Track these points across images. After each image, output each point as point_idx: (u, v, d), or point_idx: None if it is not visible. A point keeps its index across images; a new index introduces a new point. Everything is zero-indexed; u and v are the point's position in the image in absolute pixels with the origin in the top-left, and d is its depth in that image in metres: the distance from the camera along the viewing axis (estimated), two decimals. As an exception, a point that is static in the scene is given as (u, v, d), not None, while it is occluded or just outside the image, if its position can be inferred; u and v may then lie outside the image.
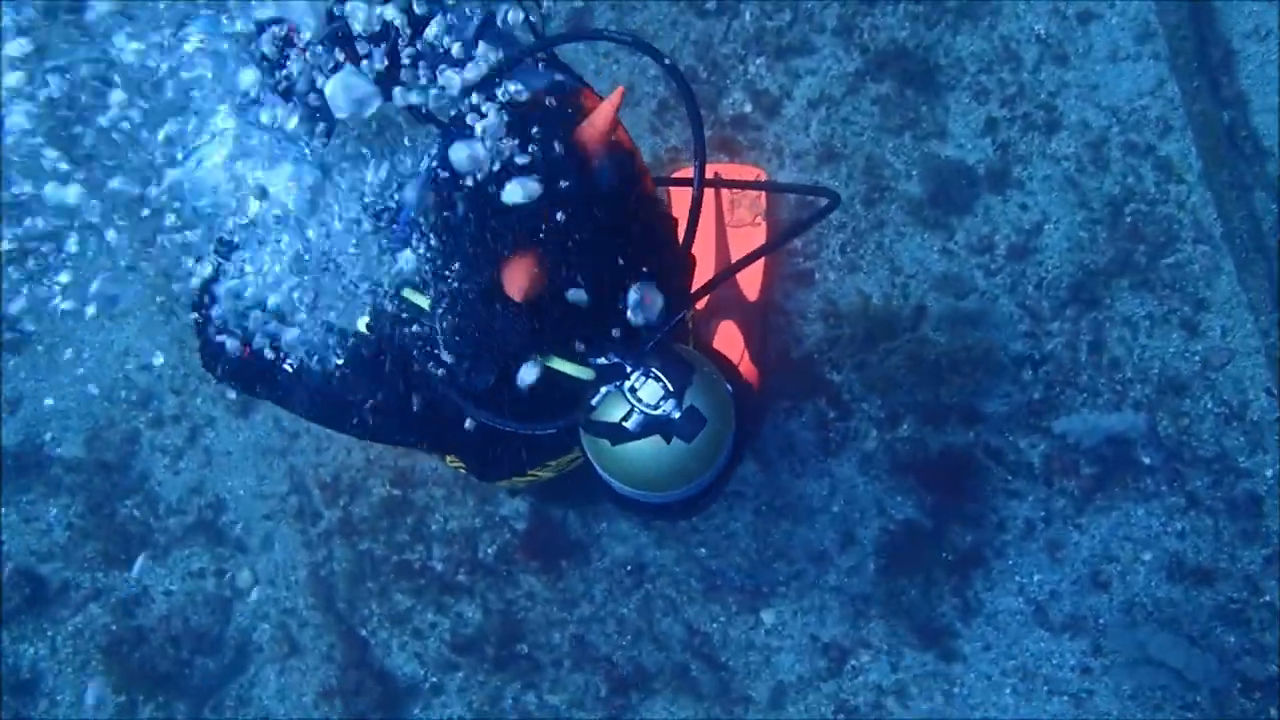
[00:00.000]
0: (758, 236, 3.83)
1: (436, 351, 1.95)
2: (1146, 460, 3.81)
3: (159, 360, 4.15)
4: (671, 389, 1.92)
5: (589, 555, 3.89)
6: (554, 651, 3.91)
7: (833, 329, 3.90)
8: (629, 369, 1.93)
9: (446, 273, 1.79)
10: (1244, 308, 3.85)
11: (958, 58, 4.02)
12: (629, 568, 3.90)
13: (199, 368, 4.06)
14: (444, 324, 1.90)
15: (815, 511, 3.87)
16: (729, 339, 3.72)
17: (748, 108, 4.04)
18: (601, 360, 1.95)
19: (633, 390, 1.93)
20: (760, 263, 3.82)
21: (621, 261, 1.80)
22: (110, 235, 2.01)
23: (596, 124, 1.71)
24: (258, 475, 4.04)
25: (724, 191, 3.85)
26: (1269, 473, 3.79)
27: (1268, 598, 3.75)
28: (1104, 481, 3.81)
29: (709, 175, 3.98)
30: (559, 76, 2.03)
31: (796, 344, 3.91)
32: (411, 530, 4.01)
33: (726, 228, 3.84)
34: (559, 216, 1.68)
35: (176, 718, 3.97)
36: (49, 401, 4.10)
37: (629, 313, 1.84)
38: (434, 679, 3.97)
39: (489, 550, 3.98)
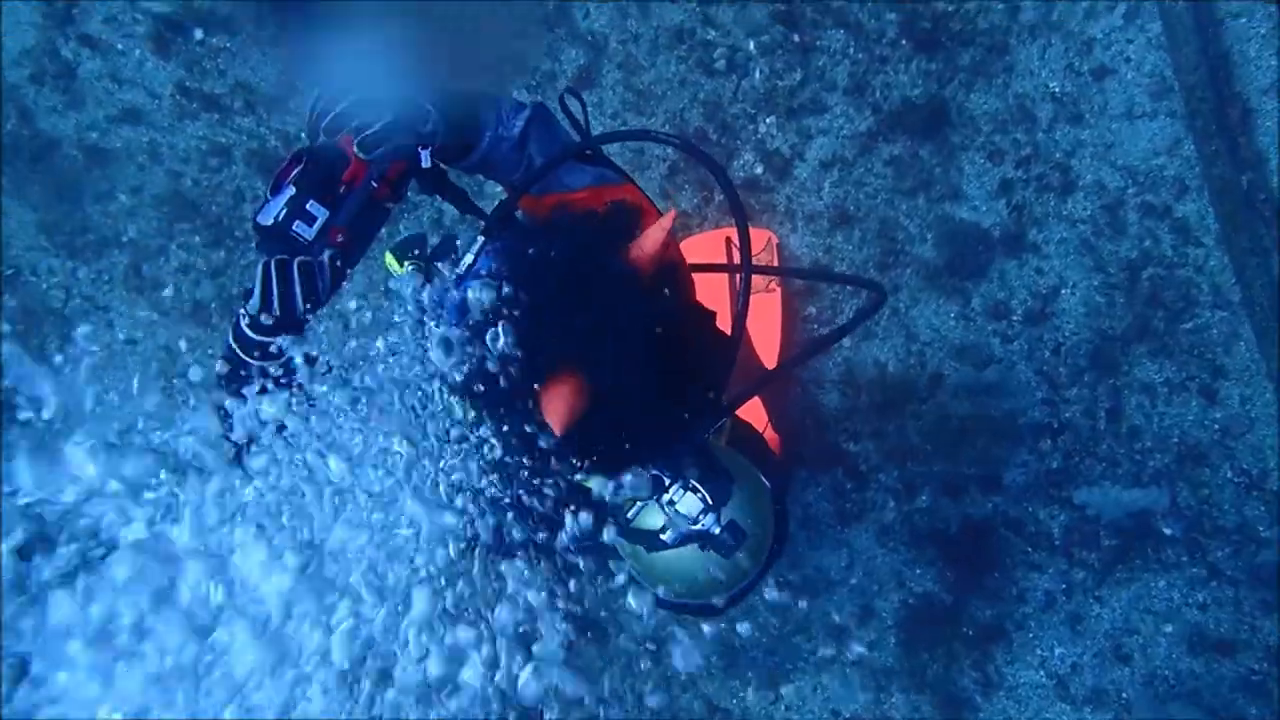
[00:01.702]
0: (770, 304, 3.92)
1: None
2: (1167, 531, 3.91)
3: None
4: (711, 503, 1.93)
5: (607, 632, 3.98)
6: (569, 732, 4.00)
7: (849, 398, 3.99)
8: (667, 480, 1.93)
9: (481, 390, 1.71)
10: (1263, 375, 3.95)
11: (971, 116, 4.12)
12: (648, 644, 4.00)
13: (202, 441, 4.18)
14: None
15: (834, 584, 3.96)
16: (750, 408, 3.81)
17: (759, 169, 4.13)
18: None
19: (671, 504, 1.93)
20: (777, 328, 3.92)
21: (665, 380, 1.74)
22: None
23: (646, 247, 1.66)
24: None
25: (735, 256, 3.95)
26: (1290, 542, 3.92)
27: (1289, 668, 3.87)
28: (1124, 553, 3.90)
29: (721, 240, 4.11)
30: (606, 173, 2.08)
31: (812, 413, 4.01)
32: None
33: (738, 294, 3.93)
34: (604, 340, 1.61)
35: None
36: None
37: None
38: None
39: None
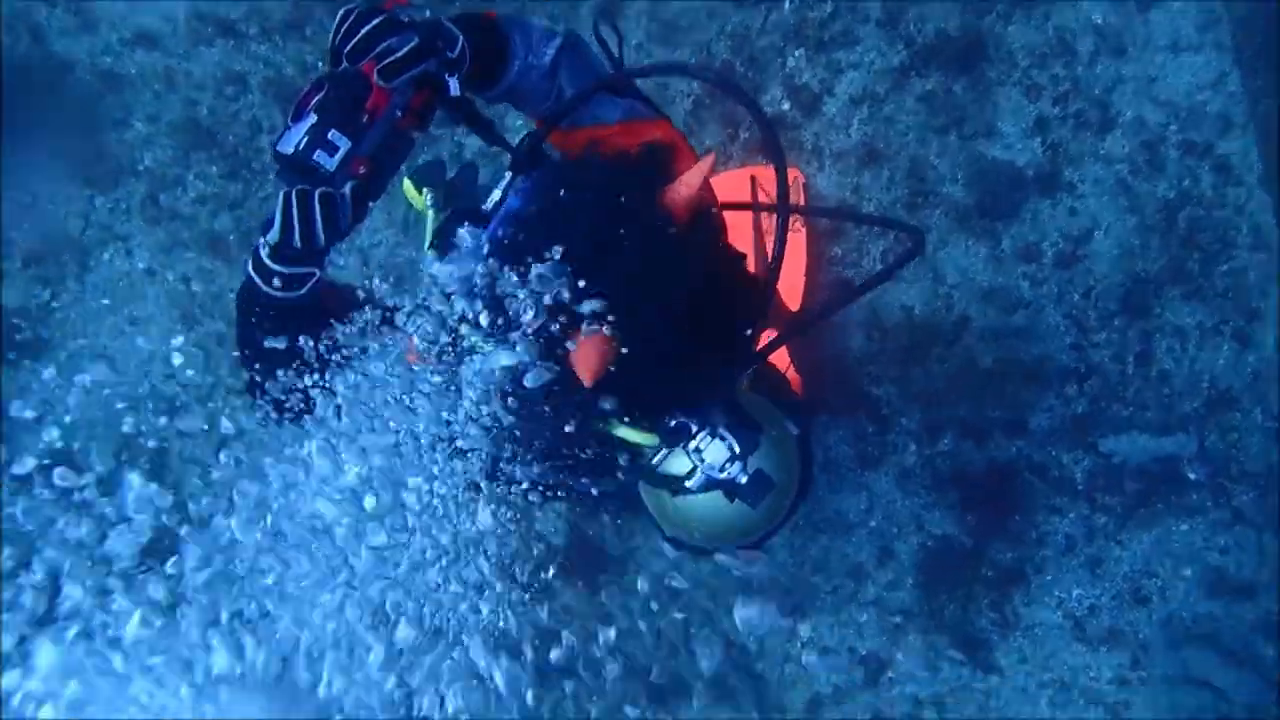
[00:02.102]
0: (795, 244, 3.88)
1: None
2: (1192, 476, 3.91)
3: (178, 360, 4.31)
4: (739, 451, 1.89)
5: (625, 569, 4.06)
6: (591, 663, 4.12)
7: (874, 341, 3.97)
8: (694, 428, 1.89)
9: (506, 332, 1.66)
10: (1299, 317, 3.93)
11: (1009, 50, 4.00)
12: (667, 580, 4.08)
13: (225, 378, 4.24)
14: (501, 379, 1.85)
15: (853, 526, 4.01)
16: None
17: (786, 105, 4.04)
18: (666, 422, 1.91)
19: (698, 451, 1.89)
20: (802, 270, 3.90)
21: (697, 329, 1.71)
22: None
23: (682, 192, 1.62)
24: (290, 487, 4.20)
25: (760, 198, 3.90)
26: (1317, 487, 3.93)
27: (1309, 611, 3.92)
28: (1147, 497, 3.92)
29: (746, 179, 4.06)
30: (638, 106, 2.04)
31: (836, 355, 4.01)
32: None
33: (763, 234, 3.91)
34: (636, 290, 1.57)
35: None
36: (74, 409, 4.26)
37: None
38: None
39: (526, 565, 4.15)
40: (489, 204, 1.98)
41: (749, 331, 1.93)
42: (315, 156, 1.70)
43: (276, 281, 1.76)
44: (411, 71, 1.70)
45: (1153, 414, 3.92)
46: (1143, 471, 3.90)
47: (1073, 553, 3.96)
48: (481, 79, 1.89)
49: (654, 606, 4.06)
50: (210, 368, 4.21)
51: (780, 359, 3.80)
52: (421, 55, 1.71)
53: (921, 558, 4.00)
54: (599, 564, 4.05)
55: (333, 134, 1.71)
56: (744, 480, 1.89)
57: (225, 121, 4.32)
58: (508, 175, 1.96)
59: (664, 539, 2.30)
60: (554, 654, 4.08)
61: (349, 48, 1.68)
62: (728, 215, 1.99)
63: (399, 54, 1.68)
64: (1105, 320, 3.94)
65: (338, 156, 1.71)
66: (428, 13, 1.81)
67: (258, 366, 2.00)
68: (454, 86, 1.86)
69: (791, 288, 3.87)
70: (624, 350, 1.57)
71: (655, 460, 1.95)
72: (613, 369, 1.57)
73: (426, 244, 2.18)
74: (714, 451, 1.87)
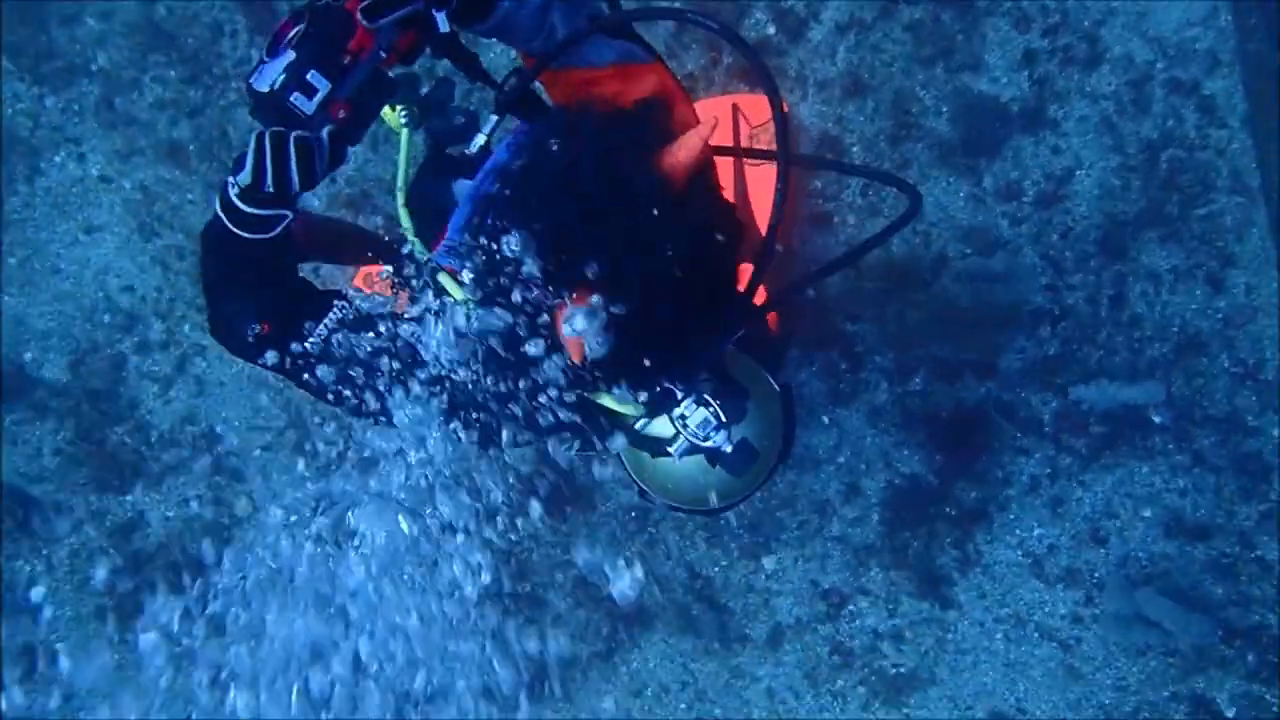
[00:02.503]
0: (772, 173, 3.83)
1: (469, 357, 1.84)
2: (1157, 419, 3.97)
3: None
4: (724, 419, 1.88)
5: (593, 501, 4.09)
6: (558, 590, 4.17)
7: (850, 279, 3.96)
8: (680, 394, 1.88)
9: (490, 293, 1.60)
10: (1271, 264, 3.94)
11: (999, -23, 3.94)
12: (633, 513, 4.11)
13: (185, 291, 4.15)
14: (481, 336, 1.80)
15: (821, 462, 4.05)
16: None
17: (771, 29, 3.94)
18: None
19: (682, 418, 1.88)
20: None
21: (691, 297, 1.64)
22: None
23: (680, 157, 1.53)
24: (253, 408, 4.14)
25: (743, 128, 3.84)
26: (1276, 432, 3.99)
27: (1258, 552, 3.99)
28: (1112, 440, 3.97)
29: (727, 106, 3.97)
30: (633, 49, 1.95)
31: (812, 292, 4.00)
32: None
33: (745, 164, 3.85)
34: (629, 258, 1.50)
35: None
36: (28, 320, 4.16)
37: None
38: (438, 612, 4.24)
39: (495, 494, 4.16)
40: (473, 147, 1.92)
41: (743, 298, 1.87)
42: (292, 99, 1.65)
43: (245, 222, 1.71)
44: (399, 13, 1.62)
45: (1122, 358, 3.95)
46: (1109, 415, 3.95)
47: (1036, 493, 4.03)
48: (470, 13, 1.79)
49: (620, 536, 4.12)
50: (169, 282, 4.13)
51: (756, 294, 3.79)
52: None
53: (888, 495, 4.05)
54: (566, 494, 4.07)
55: (312, 75, 1.64)
56: (728, 449, 1.87)
57: (185, 22, 4.13)
58: (492, 119, 1.90)
59: (638, 495, 2.30)
60: (517, 581, 4.16)
61: None
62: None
63: None
64: (1081, 262, 3.95)
65: (316, 99, 1.66)
66: None
67: (226, 313, 1.94)
68: (443, 23, 1.77)
69: (765, 219, 3.83)
70: (613, 319, 1.50)
71: (638, 427, 1.92)
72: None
73: (401, 171, 2.10)
74: (699, 419, 1.85)
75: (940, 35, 3.89)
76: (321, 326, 1.95)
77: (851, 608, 4.12)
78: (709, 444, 1.87)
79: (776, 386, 2.25)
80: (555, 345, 1.54)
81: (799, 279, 2.00)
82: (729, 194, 2.03)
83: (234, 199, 1.71)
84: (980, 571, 4.09)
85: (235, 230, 1.73)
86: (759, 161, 3.84)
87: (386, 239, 2.42)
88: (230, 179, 1.72)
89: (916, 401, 4.00)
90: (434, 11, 1.71)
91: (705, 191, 1.62)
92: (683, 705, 4.23)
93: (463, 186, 1.87)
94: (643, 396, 1.82)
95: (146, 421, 4.18)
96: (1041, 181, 3.93)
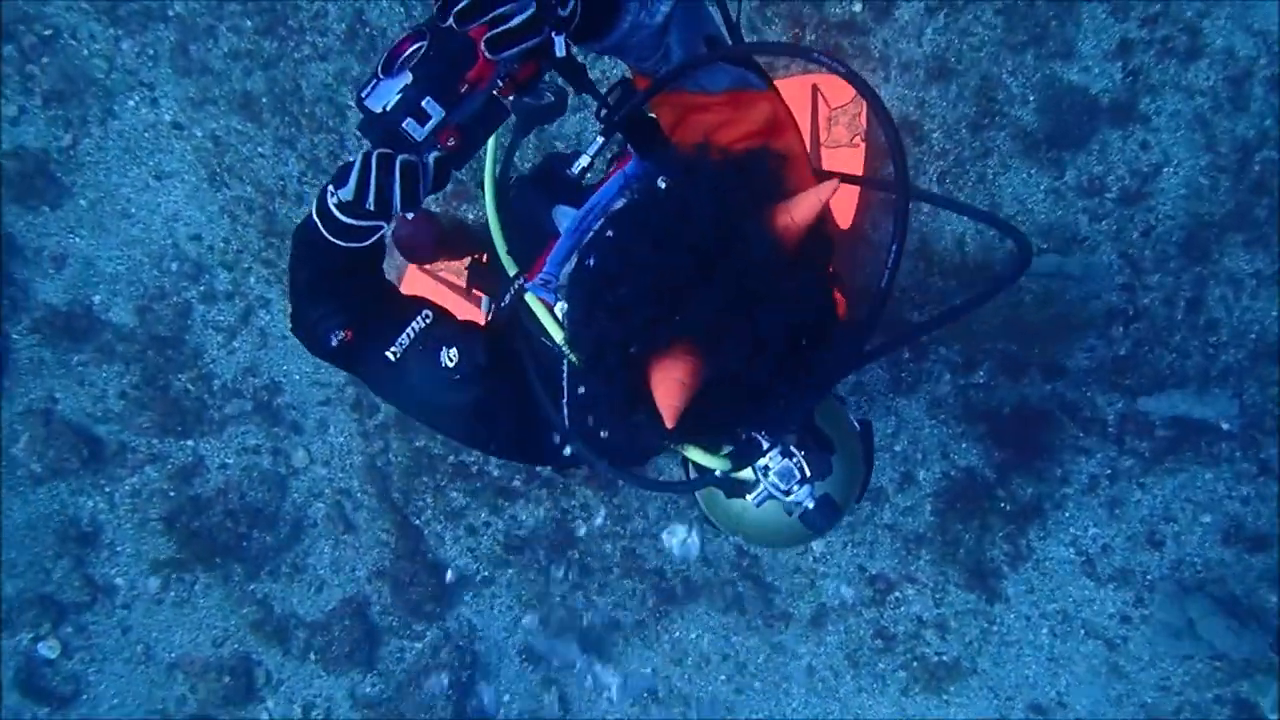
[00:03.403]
0: (854, 158, 3.81)
1: (563, 396, 1.92)
2: (1225, 426, 3.97)
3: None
4: (809, 474, 1.84)
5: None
6: (605, 560, 4.27)
7: (920, 267, 3.95)
8: (765, 444, 1.84)
9: (587, 341, 1.59)
10: (1358, 275, 3.89)
11: (1102, -40, 3.83)
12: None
13: (252, 243, 4.22)
14: (577, 381, 1.88)
15: (877, 449, 4.06)
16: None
17: (857, 6, 3.86)
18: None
19: (765, 469, 1.84)
20: (855, 190, 3.82)
21: (789, 355, 1.58)
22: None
23: (798, 217, 1.50)
24: (314, 363, 4.21)
25: (821, 110, 3.80)
26: (1348, 444, 3.98)
27: (1318, 563, 4.03)
28: (1177, 444, 3.97)
29: (807, 87, 3.92)
30: (748, 76, 1.92)
31: (881, 278, 3.96)
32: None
33: (823, 147, 3.82)
34: (736, 320, 1.47)
35: (234, 578, 4.42)
36: (97, 263, 4.26)
37: None
38: (485, 573, 4.36)
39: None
40: (575, 168, 1.91)
41: (842, 363, 1.84)
42: (405, 124, 1.64)
43: (340, 231, 1.73)
44: (523, 45, 1.58)
45: (1195, 363, 3.92)
46: (1176, 419, 3.94)
47: (1094, 492, 4.05)
48: (589, 33, 1.75)
49: (670, 511, 4.20)
50: (236, 233, 4.20)
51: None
52: (537, 27, 1.58)
53: (943, 486, 4.08)
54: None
55: (427, 101, 1.63)
56: (810, 505, 1.85)
57: (260, -31, 4.15)
58: (598, 140, 1.89)
59: (706, 523, 2.30)
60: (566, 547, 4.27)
61: (460, 7, 1.54)
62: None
63: (513, 24, 1.55)
64: (1161, 262, 3.89)
65: (428, 126, 1.65)
66: None
67: (311, 317, 1.97)
68: (560, 47, 1.73)
69: (844, 204, 3.82)
70: (708, 380, 1.50)
71: (719, 474, 1.90)
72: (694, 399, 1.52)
73: (489, 161, 2.12)
74: (782, 471, 1.83)
75: (1033, 20, 3.79)
76: (404, 335, 2.00)
77: (898, 594, 4.19)
78: (790, 498, 1.84)
79: (857, 425, 2.25)
80: (646, 397, 1.52)
81: (898, 335, 1.93)
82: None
83: (332, 208, 1.72)
84: (1031, 567, 4.13)
85: (330, 237, 1.75)
86: (836, 144, 3.84)
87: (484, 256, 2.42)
88: (330, 188, 1.73)
89: (979, 395, 4.00)
90: (553, 35, 1.66)
91: (817, 253, 1.60)
92: (722, 677, 4.35)
93: (564, 214, 1.85)
94: (727, 448, 1.84)
95: (210, 370, 4.29)
96: (1126, 178, 3.86)
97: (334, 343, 1.94)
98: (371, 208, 1.65)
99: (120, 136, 4.20)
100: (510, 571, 4.33)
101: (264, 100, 4.07)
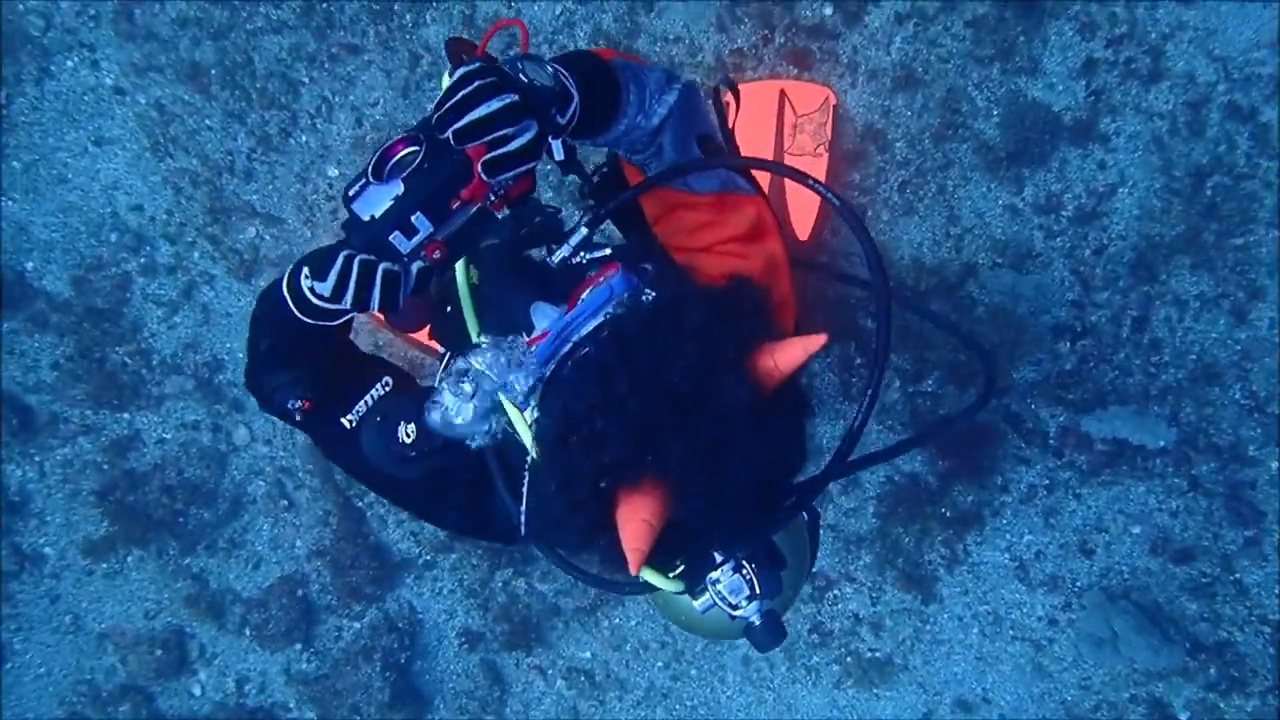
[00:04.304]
0: (817, 168, 3.83)
1: (522, 485, 1.87)
2: (1161, 443, 4.13)
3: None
4: (759, 591, 1.83)
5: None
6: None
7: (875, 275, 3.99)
8: (718, 557, 1.84)
9: (558, 466, 1.60)
10: (1300, 301, 4.04)
11: (1071, -22, 3.86)
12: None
13: (196, 217, 4.13)
14: (537, 481, 1.81)
15: (825, 452, 4.16)
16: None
17: (828, 9, 3.85)
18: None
19: (715, 581, 1.84)
20: (817, 200, 3.85)
21: (756, 493, 1.65)
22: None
23: (781, 365, 1.56)
24: (259, 342, 4.18)
25: (787, 116, 3.81)
26: (1275, 465, 4.14)
27: (1237, 575, 4.20)
28: (1114, 459, 4.11)
29: (775, 92, 3.92)
30: (736, 180, 1.96)
31: (836, 284, 4.04)
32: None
33: (786, 154, 3.84)
34: (707, 461, 1.52)
35: (168, 552, 4.40)
36: (31, 228, 4.14)
37: None
38: (427, 557, 4.40)
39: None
40: (555, 258, 1.87)
41: (808, 491, 1.91)
42: (392, 237, 1.61)
43: (310, 311, 1.72)
44: (522, 169, 1.56)
45: (1136, 381, 4.06)
46: (1115, 436, 4.09)
47: (1032, 501, 4.19)
48: (584, 132, 1.76)
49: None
50: (180, 206, 4.10)
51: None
52: (537, 148, 1.56)
53: (886, 490, 4.20)
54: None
55: (417, 217, 1.60)
56: (757, 622, 1.85)
57: (209, -73, 4.01)
58: (583, 231, 1.85)
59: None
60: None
61: (459, 125, 1.50)
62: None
63: (512, 148, 1.52)
64: (1110, 281, 4.00)
65: (415, 240, 1.62)
66: (547, 54, 1.67)
67: (270, 384, 1.98)
68: (558, 150, 1.77)
69: (805, 214, 3.85)
70: (673, 514, 1.54)
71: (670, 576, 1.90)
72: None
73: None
74: (733, 587, 1.82)
75: (1002, 34, 3.82)
76: (361, 404, 2.00)
77: (836, 592, 4.33)
78: (738, 613, 1.84)
79: (805, 514, 2.27)
80: (609, 526, 1.55)
81: (854, 461, 1.96)
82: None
83: (304, 290, 1.70)
84: (966, 570, 4.28)
85: (298, 314, 1.73)
86: (800, 152, 3.86)
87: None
88: (305, 270, 1.70)
89: (927, 403, 4.10)
90: (551, 138, 1.66)
91: (794, 402, 1.66)
92: (660, 664, 4.46)
93: (542, 313, 1.82)
94: (679, 565, 1.84)
95: (149, 345, 4.22)
96: (1083, 196, 3.94)
97: (291, 409, 1.95)
98: (349, 306, 1.63)
99: (57, 98, 4.06)
100: (453, 556, 4.38)
101: (213, 71, 3.96)
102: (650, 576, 1.82)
